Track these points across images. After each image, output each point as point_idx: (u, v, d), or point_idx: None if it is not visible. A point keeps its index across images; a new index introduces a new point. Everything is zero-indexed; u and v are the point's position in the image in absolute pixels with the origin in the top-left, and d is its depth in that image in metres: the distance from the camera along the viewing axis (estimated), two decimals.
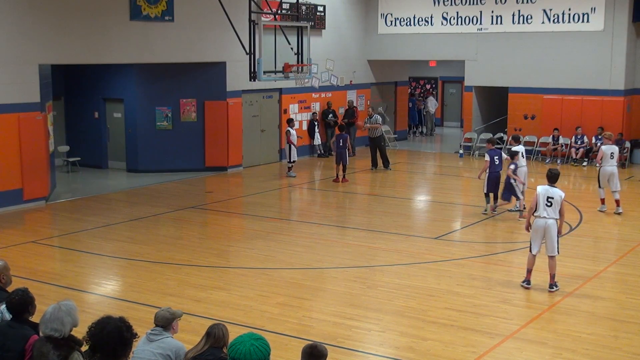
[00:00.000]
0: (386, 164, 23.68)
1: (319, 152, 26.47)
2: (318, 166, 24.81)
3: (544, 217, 11.51)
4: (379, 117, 24.27)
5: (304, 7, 25.16)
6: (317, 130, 26.13)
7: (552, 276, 11.60)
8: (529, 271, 11.79)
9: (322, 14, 26.51)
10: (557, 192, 11.54)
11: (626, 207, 18.19)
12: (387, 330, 10.06)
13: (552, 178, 11.81)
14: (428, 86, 37.55)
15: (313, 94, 26.52)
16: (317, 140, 26.23)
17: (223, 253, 14.14)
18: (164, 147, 22.60)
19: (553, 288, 11.56)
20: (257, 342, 4.79)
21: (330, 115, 26.60)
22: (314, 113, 26.23)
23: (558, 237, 11.59)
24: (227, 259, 13.86)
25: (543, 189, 11.65)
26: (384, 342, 9.71)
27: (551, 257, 11.61)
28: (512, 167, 16.64)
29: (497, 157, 16.87)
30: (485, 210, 17.12)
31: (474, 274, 12.61)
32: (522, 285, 11.79)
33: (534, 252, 11.71)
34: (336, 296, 11.44)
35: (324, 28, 26.64)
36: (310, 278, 12.41)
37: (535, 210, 11.65)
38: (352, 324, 10.16)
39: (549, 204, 11.48)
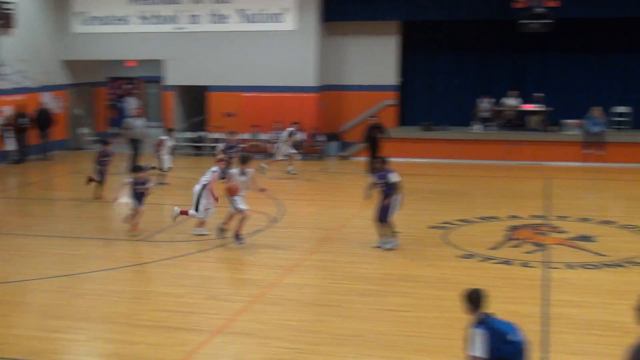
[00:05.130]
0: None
1: (14, 158, 24.91)
2: (13, 173, 23.40)
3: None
4: (142, 120, 23.83)
5: None
6: (10, 135, 24.58)
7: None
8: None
9: (11, 11, 24.99)
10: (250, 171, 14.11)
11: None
12: (94, 338, 9.74)
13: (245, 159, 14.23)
14: (129, 86, 36.88)
15: (5, 97, 24.95)
16: (12, 145, 24.68)
17: None
18: None
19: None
20: None
21: (24, 119, 25.16)
22: (6, 117, 24.64)
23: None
24: None
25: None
26: (90, 352, 9.40)
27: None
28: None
29: None
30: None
31: (180, 273, 12.61)
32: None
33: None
34: (38, 309, 10.87)
35: (14, 27, 25.15)
36: (9, 293, 11.65)
37: None
38: (56, 337, 9.70)
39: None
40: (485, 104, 26.02)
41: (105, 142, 19.69)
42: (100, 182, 18.96)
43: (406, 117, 27.50)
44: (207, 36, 26.66)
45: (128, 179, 15.25)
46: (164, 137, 21.28)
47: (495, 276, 12.26)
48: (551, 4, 23.47)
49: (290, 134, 22.42)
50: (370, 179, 13.99)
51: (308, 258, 13.42)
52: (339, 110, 26.97)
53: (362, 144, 23.17)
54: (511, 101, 25.87)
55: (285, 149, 22.37)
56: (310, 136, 25.86)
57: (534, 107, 25.33)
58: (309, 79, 26.03)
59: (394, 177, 13.52)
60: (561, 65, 26.61)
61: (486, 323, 6.42)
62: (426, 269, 12.60)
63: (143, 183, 15.14)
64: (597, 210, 17.61)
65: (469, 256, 13.40)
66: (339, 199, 19.71)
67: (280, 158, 22.35)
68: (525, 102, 25.74)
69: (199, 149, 27.08)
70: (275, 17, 26.09)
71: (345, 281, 12.04)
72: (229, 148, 19.21)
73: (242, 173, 14.02)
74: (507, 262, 13.03)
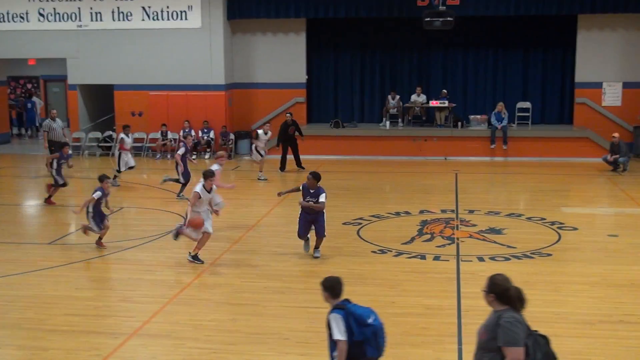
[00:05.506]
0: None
1: None
2: None
3: None
4: (60, 121, 23.04)
5: None
6: None
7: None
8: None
9: None
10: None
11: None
12: (3, 346, 9.40)
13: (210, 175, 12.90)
14: (29, 85, 35.88)
15: None
16: None
17: None
18: None
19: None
20: None
21: None
22: None
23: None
24: None
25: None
26: None
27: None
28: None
29: None
30: None
31: (93, 275, 12.37)
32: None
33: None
34: None
35: None
36: None
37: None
38: None
39: None
40: (393, 101, 26.37)
41: (62, 145, 18.87)
42: (63, 185, 18.26)
43: (315, 115, 27.64)
44: (110, 34, 26.14)
45: (96, 193, 13.66)
46: (122, 136, 20.80)
47: (410, 270, 12.45)
48: (453, 2, 24.01)
49: (261, 135, 21.40)
50: (299, 190, 12.97)
51: (221, 257, 13.31)
52: (248, 109, 26.88)
53: (277, 141, 23.13)
54: (418, 98, 26.29)
55: (262, 151, 21.41)
56: (220, 135, 25.71)
57: (440, 103, 25.81)
58: (217, 77, 25.84)
59: (323, 198, 12.72)
60: (465, 61, 27.27)
61: (344, 308, 6.67)
62: (341, 265, 12.67)
63: (107, 195, 14.03)
64: (504, 203, 18.10)
65: (383, 251, 13.56)
66: (251, 197, 19.63)
67: (259, 160, 21.59)
68: (432, 98, 26.21)
69: (106, 149, 26.55)
70: (180, 15, 25.80)
71: (260, 279, 12.01)
72: (186, 152, 18.49)
73: (209, 190, 12.87)
74: (420, 256, 13.25)
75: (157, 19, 25.92)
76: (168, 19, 25.88)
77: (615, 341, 9.43)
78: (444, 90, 26.14)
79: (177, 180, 18.35)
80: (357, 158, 24.88)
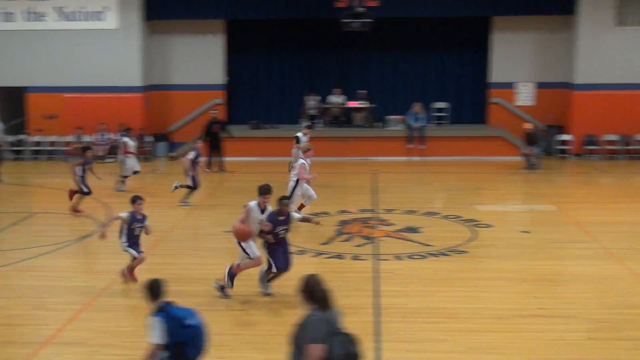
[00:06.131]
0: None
1: None
2: None
3: None
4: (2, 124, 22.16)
5: None
6: None
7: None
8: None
9: None
10: None
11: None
12: None
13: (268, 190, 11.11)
14: None
15: None
16: None
17: None
18: None
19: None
20: None
21: None
22: None
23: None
24: None
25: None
26: None
27: None
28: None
29: None
30: None
31: (4, 283, 12.03)
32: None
33: None
34: None
35: None
36: None
37: None
38: None
39: None
40: (312, 102, 26.45)
41: (85, 149, 17.82)
42: (87, 193, 17.21)
43: (234, 116, 27.50)
44: (22, 35, 25.47)
45: (124, 213, 11.91)
46: (125, 139, 20.00)
47: (328, 270, 12.44)
48: (371, 4, 24.20)
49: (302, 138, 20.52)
50: (272, 223, 10.90)
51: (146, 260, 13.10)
52: (166, 110, 26.58)
53: (201, 139, 22.91)
54: (336, 98, 26.43)
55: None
56: (137, 137, 25.33)
57: (359, 104, 26.01)
58: (134, 79, 25.47)
59: (297, 216, 11.57)
60: (383, 62, 27.54)
61: (164, 311, 6.81)
62: (258, 267, 12.61)
63: (141, 220, 11.94)
64: (421, 202, 18.33)
65: (302, 252, 13.57)
66: (169, 200, 19.38)
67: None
68: (350, 99, 26.38)
69: (19, 153, 25.87)
70: (95, 16, 25.33)
71: (177, 283, 11.78)
72: (197, 156, 17.96)
73: (263, 210, 11.02)
74: (338, 256, 13.32)
75: (72, 20, 25.40)
76: (83, 20, 25.38)
77: (529, 334, 9.67)
78: (363, 91, 26.35)
79: (187, 186, 17.95)
80: (277, 159, 24.79)
